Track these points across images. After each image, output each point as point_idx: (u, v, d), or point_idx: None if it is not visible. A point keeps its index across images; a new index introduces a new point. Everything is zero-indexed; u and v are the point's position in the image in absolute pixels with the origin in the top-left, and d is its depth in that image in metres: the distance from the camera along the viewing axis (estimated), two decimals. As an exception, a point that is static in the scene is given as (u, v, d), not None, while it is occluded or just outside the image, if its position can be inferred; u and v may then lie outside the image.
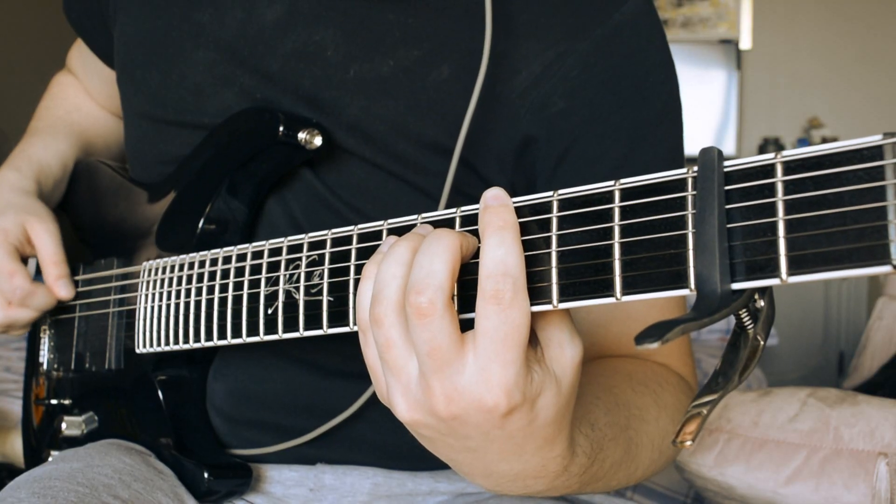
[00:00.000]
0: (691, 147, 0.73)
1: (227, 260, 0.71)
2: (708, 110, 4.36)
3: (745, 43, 4.54)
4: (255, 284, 0.67)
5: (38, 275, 0.95)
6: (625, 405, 0.68)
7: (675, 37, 4.54)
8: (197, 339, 0.74)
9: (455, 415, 0.51)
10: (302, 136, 0.76)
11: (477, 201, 0.81)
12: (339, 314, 0.60)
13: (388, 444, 0.84)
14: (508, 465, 0.56)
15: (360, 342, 0.55)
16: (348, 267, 0.60)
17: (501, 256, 0.49)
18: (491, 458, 0.56)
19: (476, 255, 0.52)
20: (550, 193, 0.51)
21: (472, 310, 0.51)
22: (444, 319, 0.49)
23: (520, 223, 0.51)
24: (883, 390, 2.33)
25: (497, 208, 0.51)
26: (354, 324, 0.59)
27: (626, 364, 0.76)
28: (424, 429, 0.54)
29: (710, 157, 0.43)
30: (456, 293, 0.53)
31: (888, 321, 2.68)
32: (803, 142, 4.46)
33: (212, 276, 0.73)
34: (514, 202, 0.52)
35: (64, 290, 0.92)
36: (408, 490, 0.85)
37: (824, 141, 4.36)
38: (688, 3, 4.63)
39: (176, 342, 0.76)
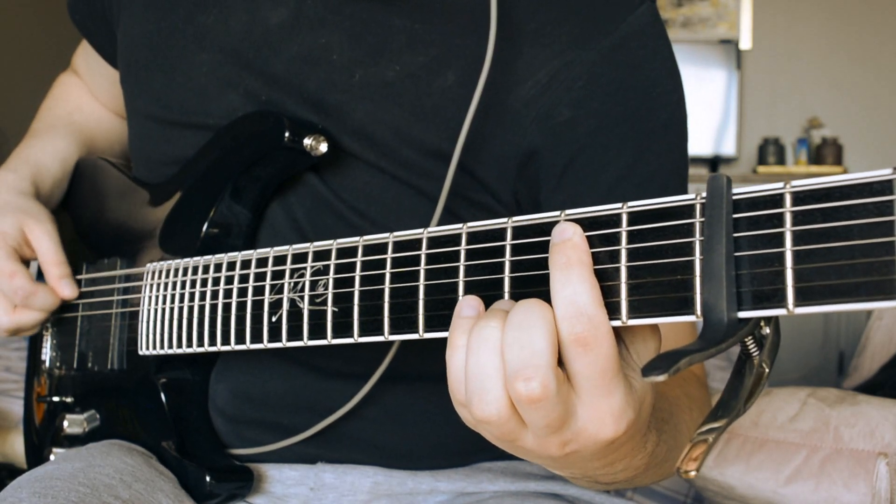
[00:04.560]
0: (692, 147, 0.73)
1: (231, 266, 0.71)
2: (708, 110, 4.35)
3: (745, 43, 4.54)
4: (259, 291, 0.67)
5: (39, 277, 0.95)
6: (662, 396, 0.68)
7: (675, 37, 4.54)
8: (200, 344, 0.74)
9: (570, 452, 0.51)
10: (307, 142, 0.75)
11: (478, 207, 0.82)
12: (344, 325, 0.60)
13: (388, 443, 0.84)
14: (607, 461, 0.57)
15: (459, 413, 0.53)
16: (353, 278, 0.59)
17: (570, 296, 0.47)
18: (593, 465, 0.56)
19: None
20: (557, 214, 0.50)
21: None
22: (557, 395, 0.47)
23: (523, 243, 0.51)
24: (883, 390, 2.32)
25: (558, 245, 0.49)
26: (359, 335, 0.59)
27: None
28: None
29: (719, 184, 0.43)
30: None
31: (888, 321, 2.67)
32: (803, 142, 4.46)
33: (216, 280, 0.72)
34: (516, 223, 0.51)
35: (67, 290, 0.91)
36: (408, 489, 0.85)
37: (824, 140, 4.37)
38: (688, 3, 4.63)
39: (179, 346, 0.76)
